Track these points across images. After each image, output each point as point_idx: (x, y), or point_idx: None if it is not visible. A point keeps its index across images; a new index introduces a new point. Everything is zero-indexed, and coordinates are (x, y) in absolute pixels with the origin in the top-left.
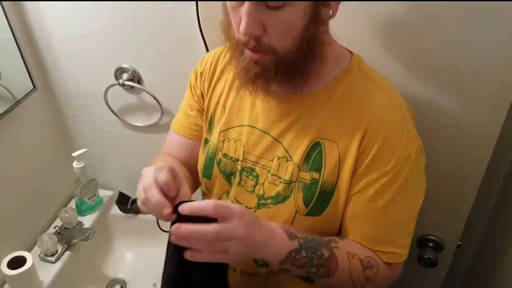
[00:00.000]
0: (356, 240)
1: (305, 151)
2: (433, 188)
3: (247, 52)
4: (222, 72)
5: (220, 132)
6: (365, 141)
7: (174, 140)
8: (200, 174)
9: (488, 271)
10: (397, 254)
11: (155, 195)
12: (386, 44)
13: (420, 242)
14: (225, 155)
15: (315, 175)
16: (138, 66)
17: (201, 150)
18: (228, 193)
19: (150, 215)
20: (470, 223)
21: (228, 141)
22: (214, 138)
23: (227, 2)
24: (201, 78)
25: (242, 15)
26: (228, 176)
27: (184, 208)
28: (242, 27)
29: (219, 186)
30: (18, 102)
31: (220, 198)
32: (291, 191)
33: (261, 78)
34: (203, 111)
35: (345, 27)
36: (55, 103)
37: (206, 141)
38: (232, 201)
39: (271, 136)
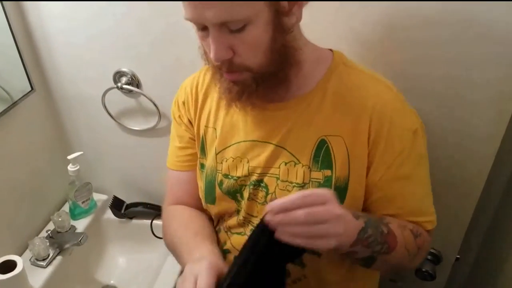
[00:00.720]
0: (397, 217)
1: (311, 151)
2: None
3: (225, 74)
4: (205, 95)
5: (216, 154)
6: (373, 129)
7: (178, 180)
8: (203, 201)
9: (487, 284)
10: (433, 220)
11: None
12: (384, 53)
13: None
14: (226, 175)
15: (327, 172)
16: (137, 70)
17: (199, 177)
18: (238, 212)
19: (145, 220)
20: (469, 236)
21: (226, 160)
22: (210, 161)
23: (197, 34)
24: (185, 106)
25: (210, 43)
26: (234, 195)
27: (274, 205)
28: (212, 54)
29: (226, 207)
30: (15, 103)
31: (229, 218)
32: None
33: (244, 94)
34: (195, 138)
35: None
36: (52, 105)
37: (202, 166)
38: (245, 217)
39: (273, 144)
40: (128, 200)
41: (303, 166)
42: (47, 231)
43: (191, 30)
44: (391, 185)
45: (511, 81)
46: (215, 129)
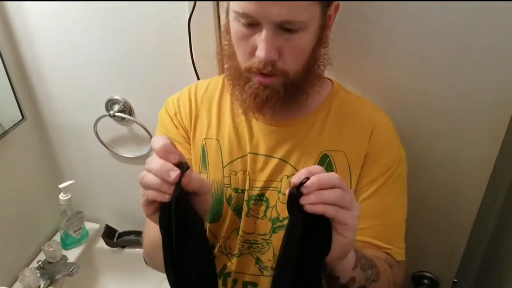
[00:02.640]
0: (368, 240)
1: (314, 163)
2: (428, 224)
3: (257, 78)
4: (199, 108)
5: (224, 167)
6: (371, 145)
7: None
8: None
9: None
10: (403, 253)
11: (156, 161)
12: (380, 79)
13: (415, 279)
14: (236, 189)
15: None
16: (129, 98)
17: None
18: (238, 229)
19: (138, 249)
20: (466, 260)
21: (236, 174)
22: (216, 175)
23: (235, 31)
24: (177, 118)
25: (260, 42)
26: (240, 211)
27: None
28: (261, 53)
29: (230, 225)
30: (5, 132)
31: (228, 238)
32: None
33: (271, 101)
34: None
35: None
36: (43, 134)
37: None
38: (241, 235)
39: (277, 158)
40: (120, 229)
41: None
42: (37, 262)
43: (185, 57)
44: (366, 203)
45: (498, 116)
46: (218, 140)
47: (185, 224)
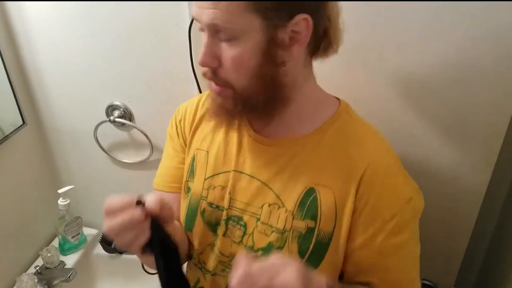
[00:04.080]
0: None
1: (299, 197)
2: (426, 231)
3: (212, 84)
4: (201, 118)
5: (205, 179)
6: (362, 187)
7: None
8: (183, 225)
9: None
10: None
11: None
12: (375, 84)
13: None
14: (210, 204)
15: (311, 223)
16: (129, 104)
17: (183, 199)
18: (213, 246)
19: (135, 256)
20: (465, 267)
21: (214, 188)
22: (197, 186)
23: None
24: (181, 125)
25: (201, 47)
26: (214, 227)
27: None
28: (199, 58)
29: (202, 238)
30: (6, 137)
31: (202, 252)
32: (285, 242)
33: (223, 110)
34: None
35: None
36: (44, 139)
37: (188, 189)
38: (217, 255)
39: (260, 181)
40: None
41: (286, 211)
42: (35, 267)
43: (185, 63)
44: (372, 255)
45: (495, 126)
46: (208, 152)
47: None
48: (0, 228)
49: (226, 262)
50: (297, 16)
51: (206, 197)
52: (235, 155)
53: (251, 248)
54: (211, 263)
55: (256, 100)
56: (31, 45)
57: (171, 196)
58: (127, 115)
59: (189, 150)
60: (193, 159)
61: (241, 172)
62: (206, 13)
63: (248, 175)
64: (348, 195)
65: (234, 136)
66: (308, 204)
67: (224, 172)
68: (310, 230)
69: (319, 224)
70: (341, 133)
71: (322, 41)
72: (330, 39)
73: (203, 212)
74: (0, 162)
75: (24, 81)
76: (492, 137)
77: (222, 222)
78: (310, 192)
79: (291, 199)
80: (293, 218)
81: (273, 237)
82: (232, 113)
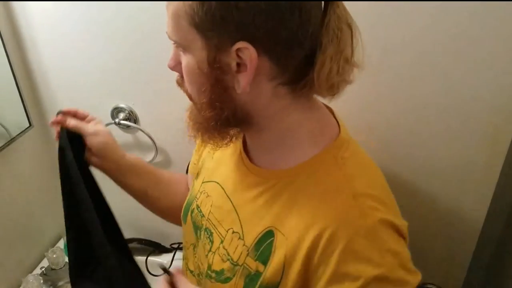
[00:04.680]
0: None
1: (257, 236)
2: (432, 235)
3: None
4: None
5: (202, 183)
6: (312, 252)
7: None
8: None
9: None
10: None
11: None
12: (378, 83)
13: None
14: (198, 207)
15: (261, 267)
16: (135, 106)
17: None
18: (194, 247)
19: (140, 257)
20: (471, 271)
21: (203, 193)
22: (196, 186)
23: None
24: None
25: None
26: (196, 230)
27: None
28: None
29: (189, 235)
30: (13, 139)
31: (188, 249)
32: (234, 275)
33: (191, 119)
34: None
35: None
36: (49, 141)
37: (192, 186)
38: (196, 257)
39: (232, 204)
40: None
41: (244, 245)
42: (41, 268)
43: None
44: None
45: (504, 116)
46: (212, 158)
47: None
48: (6, 230)
49: (201, 268)
50: (238, 43)
51: (198, 199)
52: (224, 167)
53: (209, 267)
54: (191, 264)
55: (213, 119)
56: (37, 48)
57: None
58: (132, 117)
59: (203, 151)
60: (204, 160)
61: (222, 188)
62: (167, 21)
63: (226, 194)
64: (299, 253)
65: (234, 147)
66: (263, 247)
67: (212, 182)
68: (258, 274)
69: (266, 271)
70: (315, 180)
71: (303, 77)
72: (314, 78)
73: (192, 212)
74: (6, 163)
75: (31, 83)
76: (499, 137)
77: (202, 229)
78: (268, 235)
79: (251, 234)
80: (247, 255)
81: (226, 265)
82: (201, 128)
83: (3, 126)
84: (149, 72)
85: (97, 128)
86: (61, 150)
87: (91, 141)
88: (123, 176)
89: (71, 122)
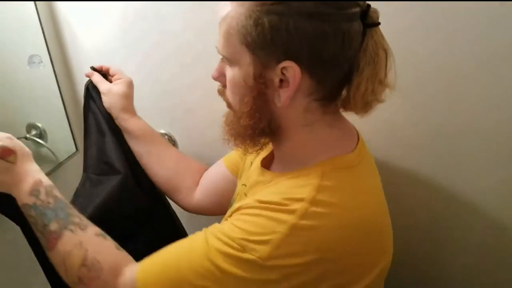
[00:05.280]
0: None
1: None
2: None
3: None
4: None
5: (241, 185)
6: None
7: (217, 165)
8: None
9: None
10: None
11: None
12: None
13: None
14: (231, 202)
15: None
16: (173, 131)
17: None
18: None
19: None
20: None
21: (239, 194)
22: (237, 187)
23: None
24: None
25: None
26: None
27: None
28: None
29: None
30: (60, 164)
31: None
32: None
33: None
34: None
35: None
36: None
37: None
38: None
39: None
40: None
41: None
42: None
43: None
44: None
45: None
46: (251, 163)
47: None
48: None
49: None
50: (284, 62)
51: (235, 200)
52: (252, 172)
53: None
54: None
55: (250, 128)
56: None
57: (224, 170)
58: (171, 141)
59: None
60: (244, 162)
61: (245, 194)
62: (218, 38)
63: (245, 194)
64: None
65: (263, 154)
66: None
67: (243, 185)
68: None
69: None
70: (292, 180)
71: (338, 94)
72: (350, 97)
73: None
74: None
75: (77, 111)
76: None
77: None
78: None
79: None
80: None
81: None
82: (240, 134)
83: (52, 151)
84: (188, 100)
85: (109, 88)
86: (85, 98)
87: (102, 98)
88: (125, 135)
89: (95, 78)
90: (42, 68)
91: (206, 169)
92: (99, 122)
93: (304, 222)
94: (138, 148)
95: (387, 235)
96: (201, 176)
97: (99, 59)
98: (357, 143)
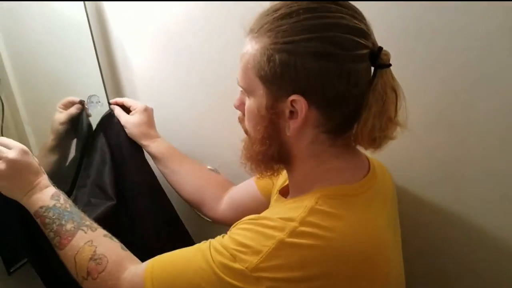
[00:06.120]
0: None
1: None
2: None
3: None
4: None
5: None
6: None
7: (248, 182)
8: None
9: None
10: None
11: None
12: None
13: None
14: None
15: None
16: (220, 168)
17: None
18: None
19: None
20: None
21: None
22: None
23: None
24: None
25: None
26: None
27: None
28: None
29: None
30: None
31: None
32: None
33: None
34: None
35: None
36: None
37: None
38: None
39: None
40: None
41: None
42: None
43: None
44: None
45: None
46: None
47: None
48: None
49: None
50: (293, 95)
51: None
52: (272, 198)
53: None
54: None
55: (261, 154)
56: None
57: (254, 188)
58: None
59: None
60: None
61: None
62: (238, 71)
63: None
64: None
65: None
66: None
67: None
68: None
69: None
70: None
71: (347, 128)
72: (358, 132)
73: None
74: None
75: None
76: None
77: None
78: None
79: None
80: None
81: None
82: (249, 156)
83: None
84: (233, 136)
85: (127, 120)
86: (97, 126)
87: (126, 130)
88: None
89: (116, 111)
90: (100, 107)
91: (228, 181)
92: (103, 152)
93: (291, 239)
94: (161, 168)
95: (380, 268)
96: (224, 188)
97: (149, 77)
98: (366, 175)
